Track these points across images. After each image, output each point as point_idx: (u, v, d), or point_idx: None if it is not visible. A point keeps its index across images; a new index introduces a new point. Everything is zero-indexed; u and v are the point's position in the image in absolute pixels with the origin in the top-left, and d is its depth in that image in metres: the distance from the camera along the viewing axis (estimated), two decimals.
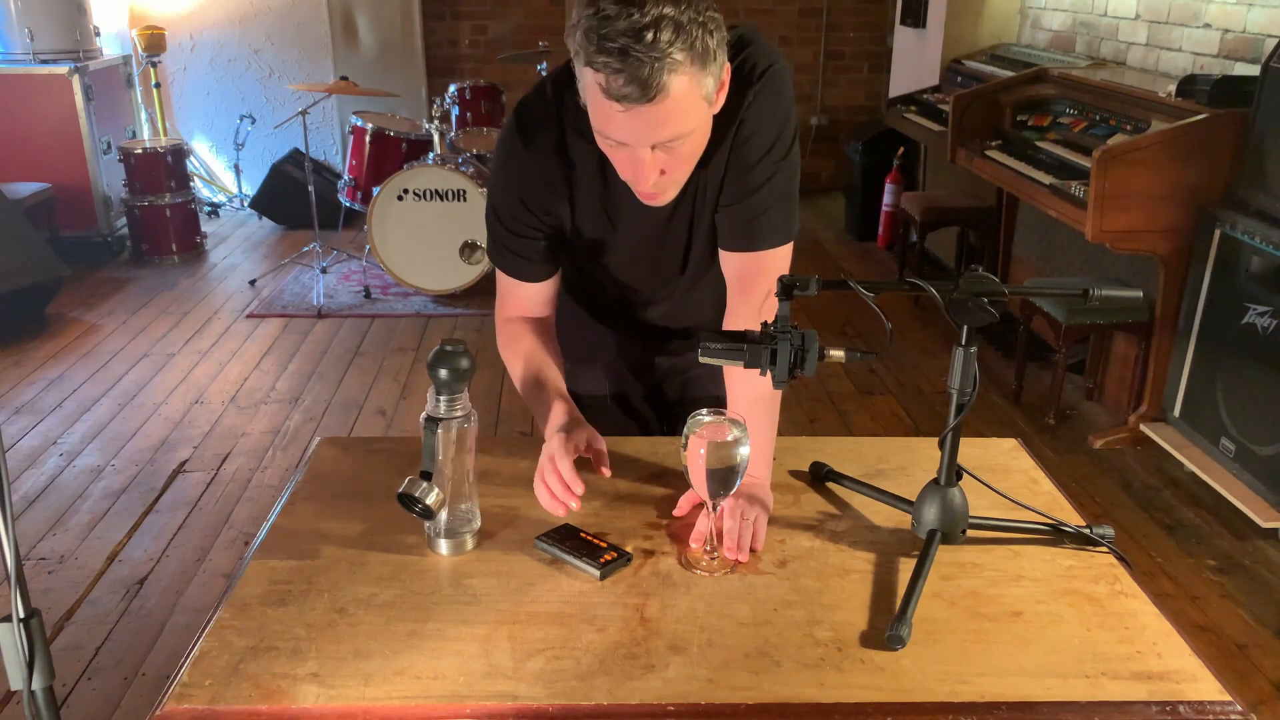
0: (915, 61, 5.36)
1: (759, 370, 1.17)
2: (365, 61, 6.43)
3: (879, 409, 3.74)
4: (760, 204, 1.37)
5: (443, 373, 1.22)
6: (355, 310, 4.77)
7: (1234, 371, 2.97)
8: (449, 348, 1.23)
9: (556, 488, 1.31)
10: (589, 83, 1.16)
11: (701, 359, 1.19)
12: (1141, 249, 3.18)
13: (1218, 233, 3.02)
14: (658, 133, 1.18)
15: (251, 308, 4.81)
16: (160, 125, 6.11)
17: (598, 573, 1.22)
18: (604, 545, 1.26)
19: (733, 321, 1.42)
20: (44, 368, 4.07)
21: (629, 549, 1.28)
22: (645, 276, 1.55)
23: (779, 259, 1.40)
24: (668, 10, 1.10)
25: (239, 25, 6.37)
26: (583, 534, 1.29)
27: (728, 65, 1.22)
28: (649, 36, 1.09)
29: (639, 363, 1.71)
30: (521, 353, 1.51)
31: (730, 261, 1.43)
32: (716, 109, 1.24)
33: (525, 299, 1.51)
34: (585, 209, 1.42)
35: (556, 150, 1.36)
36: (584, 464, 1.40)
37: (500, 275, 1.51)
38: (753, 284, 1.40)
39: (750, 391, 1.37)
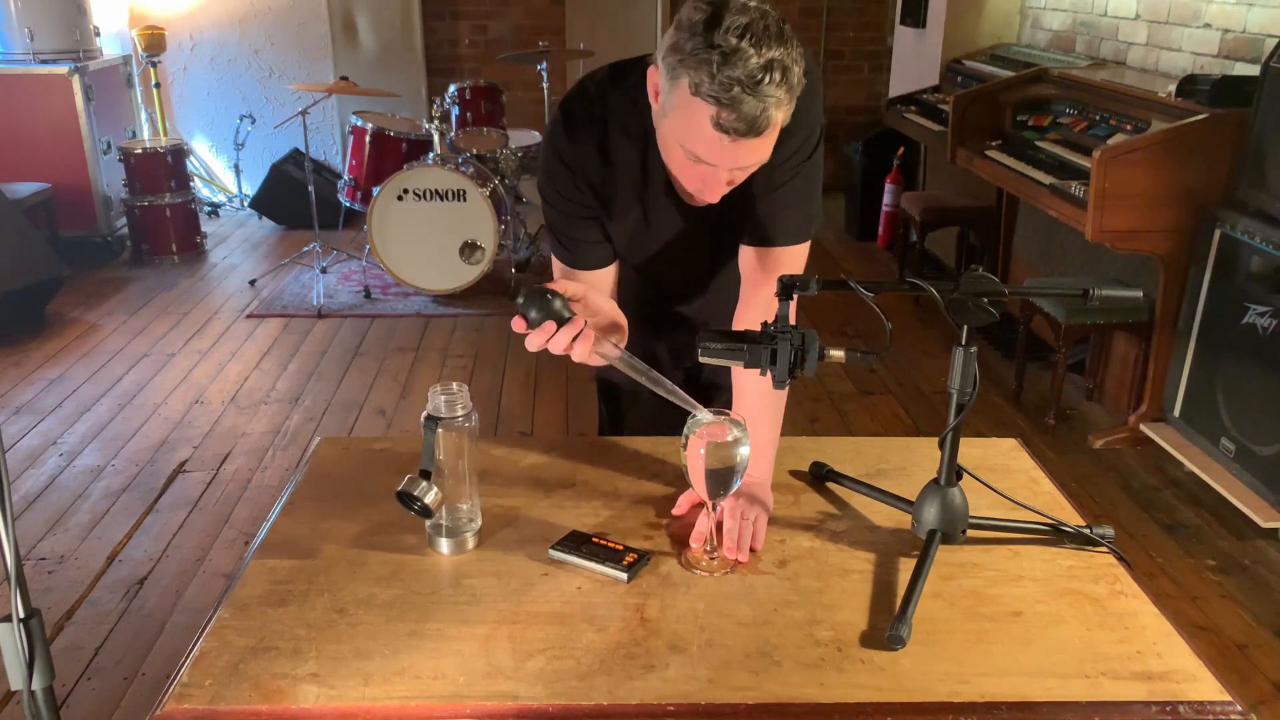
0: (915, 61, 5.36)
1: (759, 370, 1.17)
2: (365, 61, 6.43)
3: (879, 409, 3.74)
4: (780, 202, 1.40)
5: (534, 314, 1.20)
6: (355, 310, 4.77)
7: (1234, 371, 2.96)
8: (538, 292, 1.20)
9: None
10: (696, 109, 1.18)
11: (701, 359, 1.20)
12: (1141, 249, 3.18)
13: (1218, 233, 3.02)
14: (749, 159, 1.23)
15: (251, 308, 4.81)
16: (160, 125, 6.11)
17: (625, 575, 1.22)
18: (621, 548, 1.26)
19: (744, 314, 1.46)
20: (44, 368, 4.07)
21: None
22: (678, 270, 1.60)
23: (794, 257, 1.43)
24: (777, 53, 1.15)
25: (239, 25, 6.37)
26: (594, 539, 1.29)
27: None
28: (764, 79, 1.14)
29: (674, 352, 1.75)
30: None
31: (747, 256, 1.46)
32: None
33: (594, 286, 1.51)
34: (623, 205, 1.45)
35: (599, 148, 1.41)
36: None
37: (556, 271, 1.52)
38: (767, 279, 1.44)
39: (756, 390, 1.38)
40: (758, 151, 1.22)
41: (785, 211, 1.41)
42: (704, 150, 1.22)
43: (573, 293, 1.25)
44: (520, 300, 1.20)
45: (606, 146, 1.40)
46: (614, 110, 1.38)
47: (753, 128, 1.17)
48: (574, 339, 1.20)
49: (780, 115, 1.19)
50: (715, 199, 1.32)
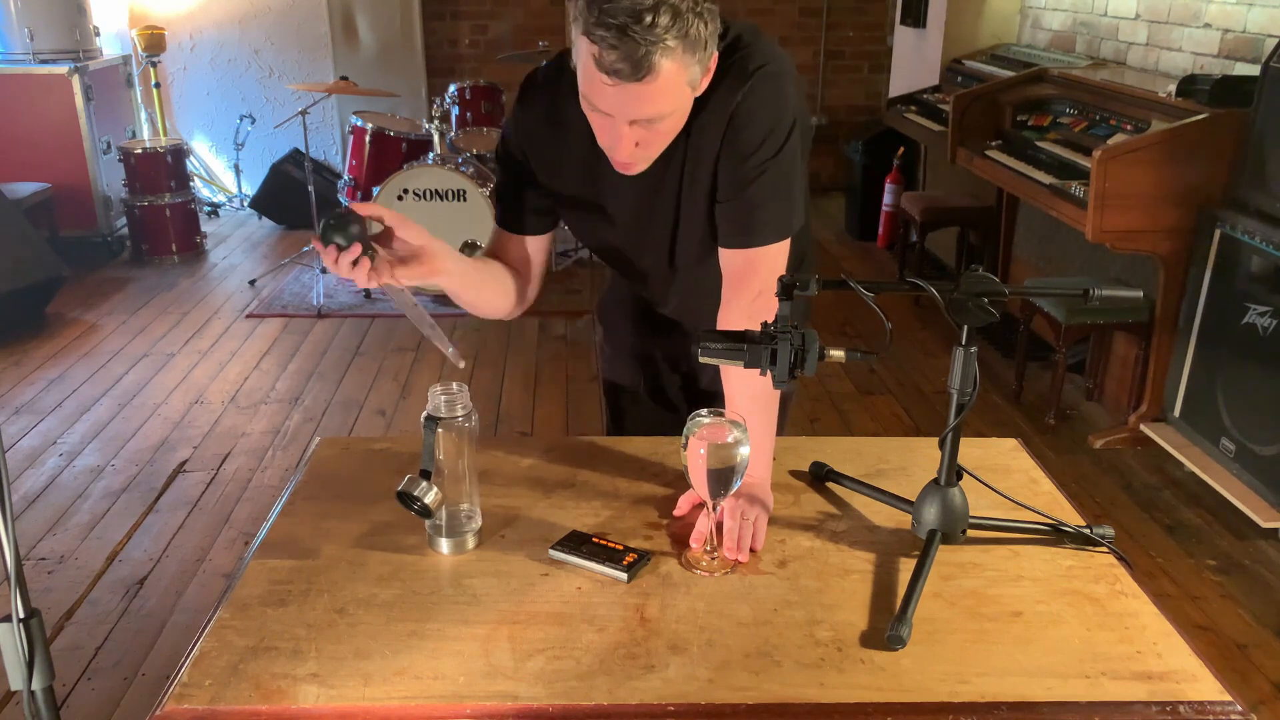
0: (915, 61, 5.36)
1: (759, 370, 1.17)
2: (365, 61, 6.42)
3: (879, 409, 3.74)
4: (751, 200, 1.38)
5: (330, 237, 1.20)
6: (355, 310, 4.77)
7: (1234, 371, 2.96)
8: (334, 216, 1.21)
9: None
10: (583, 50, 1.19)
11: (701, 359, 1.20)
12: (1141, 249, 3.18)
13: (1218, 233, 3.02)
14: (640, 110, 1.22)
15: (251, 308, 4.81)
16: (160, 125, 6.11)
17: (625, 575, 1.22)
18: (621, 548, 1.26)
19: (725, 316, 1.44)
20: (44, 368, 4.07)
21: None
22: (642, 259, 1.57)
23: (772, 256, 1.41)
24: None
25: (239, 25, 6.37)
26: (594, 539, 1.29)
27: (715, 54, 1.27)
28: (648, 19, 1.13)
29: (671, 355, 1.75)
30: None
31: (725, 257, 1.45)
32: (698, 93, 1.29)
33: (507, 250, 1.52)
34: (574, 178, 1.45)
35: (548, 117, 1.41)
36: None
37: (493, 230, 1.55)
38: (745, 280, 1.42)
39: (747, 390, 1.37)
40: (648, 100, 1.20)
41: (756, 210, 1.38)
42: (595, 96, 1.22)
43: (380, 216, 1.26)
44: (323, 223, 1.21)
45: (559, 117, 1.40)
46: (570, 81, 1.35)
47: (636, 69, 1.15)
48: (353, 264, 1.21)
49: (670, 64, 1.17)
50: (626, 160, 1.31)
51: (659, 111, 1.23)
